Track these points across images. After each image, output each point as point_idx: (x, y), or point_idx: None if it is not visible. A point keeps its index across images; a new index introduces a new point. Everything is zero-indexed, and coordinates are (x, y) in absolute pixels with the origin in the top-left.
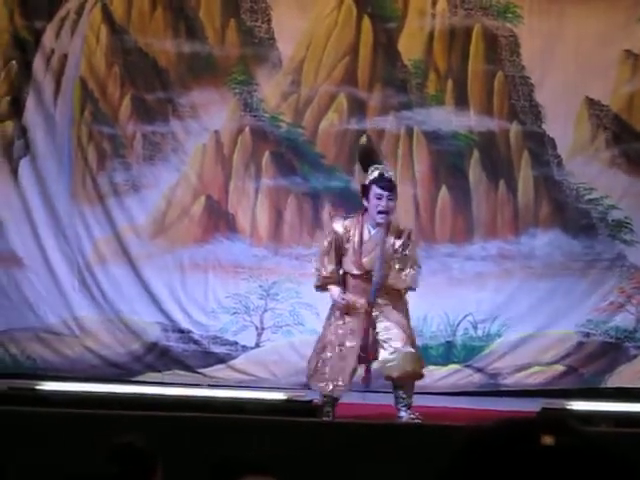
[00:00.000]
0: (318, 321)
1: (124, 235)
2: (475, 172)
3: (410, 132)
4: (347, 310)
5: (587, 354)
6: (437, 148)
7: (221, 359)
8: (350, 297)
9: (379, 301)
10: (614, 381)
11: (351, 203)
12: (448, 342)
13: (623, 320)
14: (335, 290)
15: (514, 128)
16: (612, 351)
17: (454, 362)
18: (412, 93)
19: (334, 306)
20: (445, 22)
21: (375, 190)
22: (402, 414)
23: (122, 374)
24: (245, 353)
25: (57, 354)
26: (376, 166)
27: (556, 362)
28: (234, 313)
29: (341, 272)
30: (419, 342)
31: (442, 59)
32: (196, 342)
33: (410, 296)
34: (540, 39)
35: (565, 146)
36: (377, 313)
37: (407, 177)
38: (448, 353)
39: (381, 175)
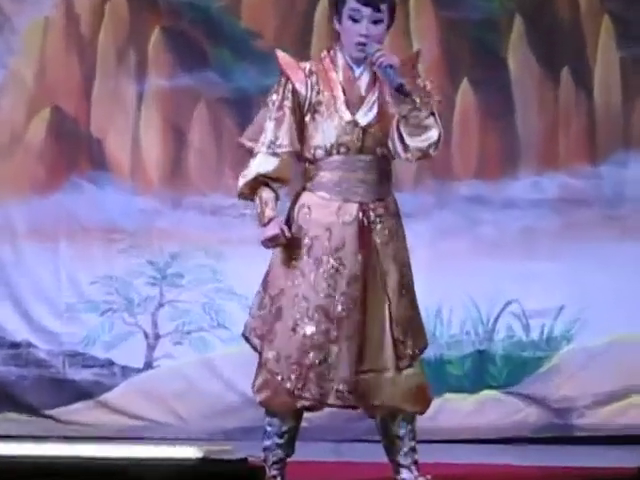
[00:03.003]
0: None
1: None
2: (518, 55)
3: None
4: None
5: None
6: (450, 15)
7: (86, 392)
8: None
9: (378, 216)
10: None
11: None
12: (480, 352)
13: None
14: (269, 210)
15: None
16: None
17: (491, 387)
18: None
19: (297, 233)
20: None
21: (350, 4)
22: (404, 477)
23: None
24: (128, 380)
25: None
26: None
27: None
28: (107, 311)
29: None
30: (430, 352)
31: None
32: (41, 363)
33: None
34: None
35: None
36: (377, 240)
37: None
38: (480, 371)
39: None
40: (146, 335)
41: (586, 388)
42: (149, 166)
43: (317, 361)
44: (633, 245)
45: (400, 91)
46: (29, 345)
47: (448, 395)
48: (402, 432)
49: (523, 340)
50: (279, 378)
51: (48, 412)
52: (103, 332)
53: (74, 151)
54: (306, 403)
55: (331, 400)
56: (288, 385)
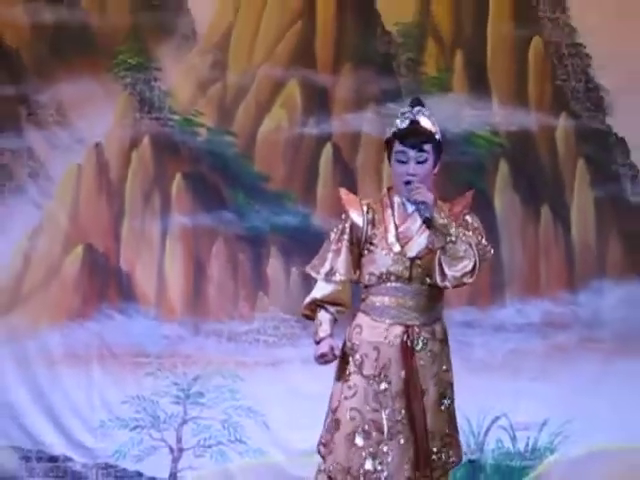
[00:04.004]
0: (267, 435)
1: None
2: (503, 194)
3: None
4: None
5: None
6: (443, 159)
7: None
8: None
9: (422, 339)
10: None
11: (311, 247)
12: (471, 462)
13: None
14: (322, 331)
15: (562, 125)
16: None
17: None
18: (401, 75)
19: (350, 351)
20: None
21: (396, 148)
22: None
23: None
24: None
25: None
26: (406, 110)
27: None
28: (135, 427)
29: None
30: None
31: (446, 20)
32: (77, 475)
33: None
34: None
35: None
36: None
37: None
38: (472, 479)
39: (409, 121)
40: (171, 449)
41: None
42: (172, 296)
43: (373, 469)
44: (610, 365)
45: (427, 224)
46: (66, 459)
47: None
48: None
49: (511, 451)
50: None
51: None
52: (132, 446)
53: (105, 283)
54: None
55: None
56: None
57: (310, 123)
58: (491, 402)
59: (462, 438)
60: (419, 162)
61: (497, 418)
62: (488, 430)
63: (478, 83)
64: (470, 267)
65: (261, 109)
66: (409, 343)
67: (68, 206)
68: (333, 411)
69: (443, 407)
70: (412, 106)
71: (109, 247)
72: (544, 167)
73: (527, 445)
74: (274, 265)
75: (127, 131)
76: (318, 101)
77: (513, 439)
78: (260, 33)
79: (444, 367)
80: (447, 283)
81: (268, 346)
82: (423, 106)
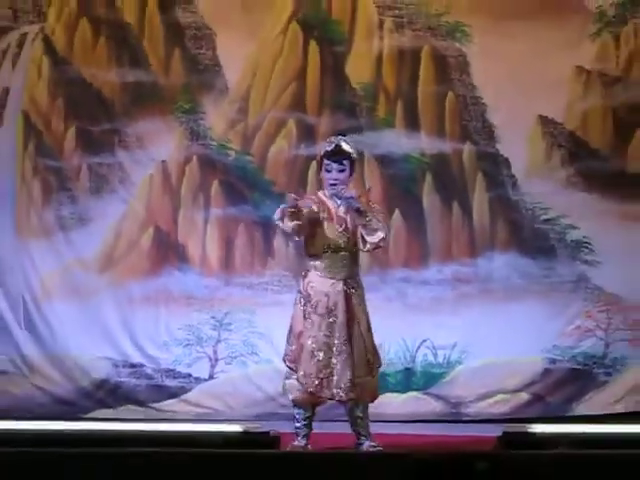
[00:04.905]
0: (273, 350)
1: (71, 270)
2: (428, 195)
3: (361, 156)
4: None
5: (554, 381)
6: (389, 172)
7: (174, 393)
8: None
9: (353, 287)
10: (582, 409)
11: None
12: (407, 369)
13: (592, 345)
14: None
15: (467, 149)
16: (580, 378)
17: (413, 389)
18: (362, 117)
19: (307, 298)
20: (393, 44)
21: (325, 162)
22: (362, 442)
23: (72, 411)
24: (199, 385)
25: (3, 394)
26: (332, 138)
27: (521, 390)
28: (187, 345)
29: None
30: None
31: (391, 81)
32: (148, 376)
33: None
34: (490, 58)
35: (520, 166)
36: (354, 303)
37: None
38: (407, 380)
39: (334, 146)
40: (210, 359)
41: (470, 391)
42: (212, 260)
43: (327, 374)
44: (498, 307)
45: (357, 211)
46: (141, 365)
47: (388, 394)
48: (362, 414)
49: (433, 362)
50: (305, 385)
51: (152, 405)
52: (185, 357)
53: (168, 252)
54: (321, 399)
55: (337, 398)
56: (312, 389)
57: (301, 148)
58: (420, 330)
59: (400, 353)
60: (340, 171)
61: (424, 341)
62: (418, 348)
63: (412, 123)
64: (383, 235)
65: (270, 139)
66: (347, 290)
67: (144, 201)
68: (296, 337)
69: (369, 331)
70: (337, 135)
71: (170, 228)
72: (455, 177)
73: (444, 359)
74: (278, 240)
75: (182, 153)
76: (307, 134)
77: (435, 355)
78: (269, 89)
79: (365, 305)
80: (368, 246)
81: (274, 293)
82: (344, 136)
